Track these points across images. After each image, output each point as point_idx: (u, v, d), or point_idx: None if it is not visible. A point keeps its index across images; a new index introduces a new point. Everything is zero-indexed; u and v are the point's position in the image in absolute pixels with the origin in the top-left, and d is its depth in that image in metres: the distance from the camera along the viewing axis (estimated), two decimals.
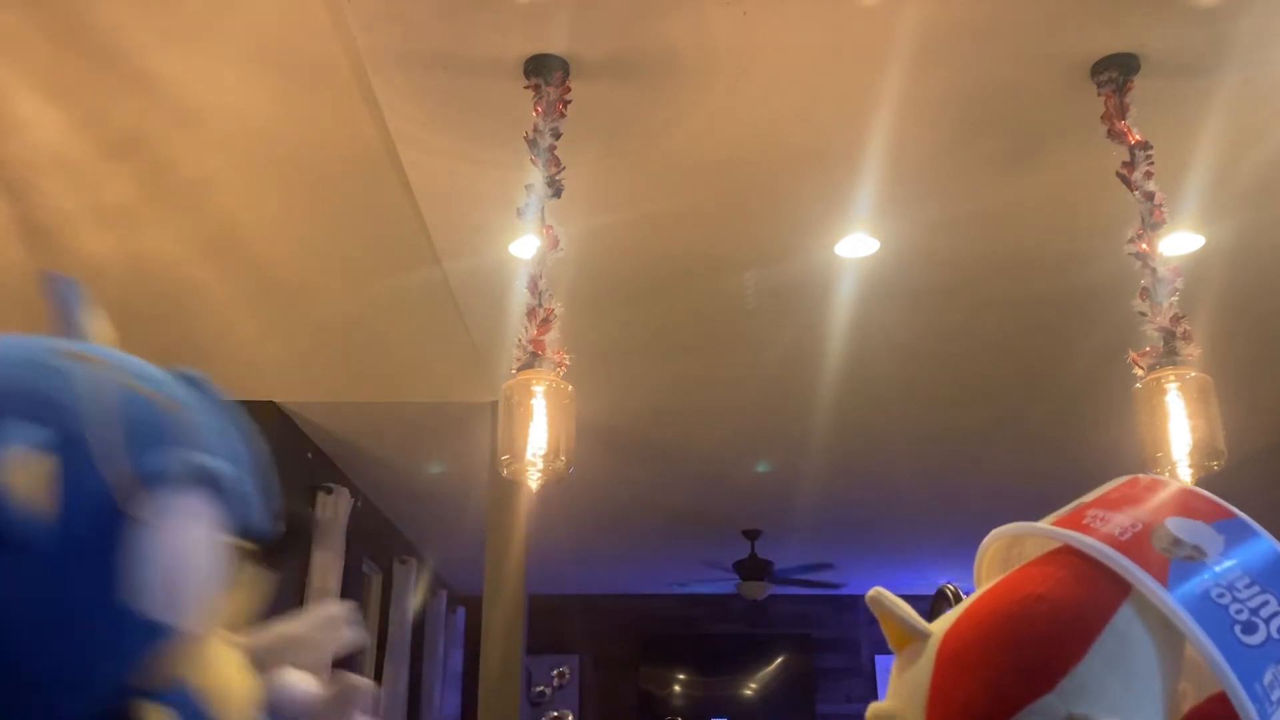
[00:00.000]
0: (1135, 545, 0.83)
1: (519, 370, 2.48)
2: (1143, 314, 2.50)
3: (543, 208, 2.57)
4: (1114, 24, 2.52)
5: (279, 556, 0.86)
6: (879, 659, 9.39)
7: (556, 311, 2.51)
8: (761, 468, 6.04)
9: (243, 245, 3.66)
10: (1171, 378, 2.45)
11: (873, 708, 0.88)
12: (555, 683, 9.36)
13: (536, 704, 9.23)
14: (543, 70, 2.63)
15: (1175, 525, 0.85)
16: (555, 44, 2.59)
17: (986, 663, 0.81)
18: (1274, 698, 0.77)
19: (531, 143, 2.61)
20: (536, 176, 2.58)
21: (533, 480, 2.49)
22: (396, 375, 4.76)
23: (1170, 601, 0.79)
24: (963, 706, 0.80)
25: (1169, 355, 2.46)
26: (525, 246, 2.71)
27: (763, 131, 2.96)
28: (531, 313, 2.49)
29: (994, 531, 0.96)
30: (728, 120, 2.90)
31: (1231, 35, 2.55)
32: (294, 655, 0.90)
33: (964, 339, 4.31)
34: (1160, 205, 2.54)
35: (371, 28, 2.55)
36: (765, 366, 4.58)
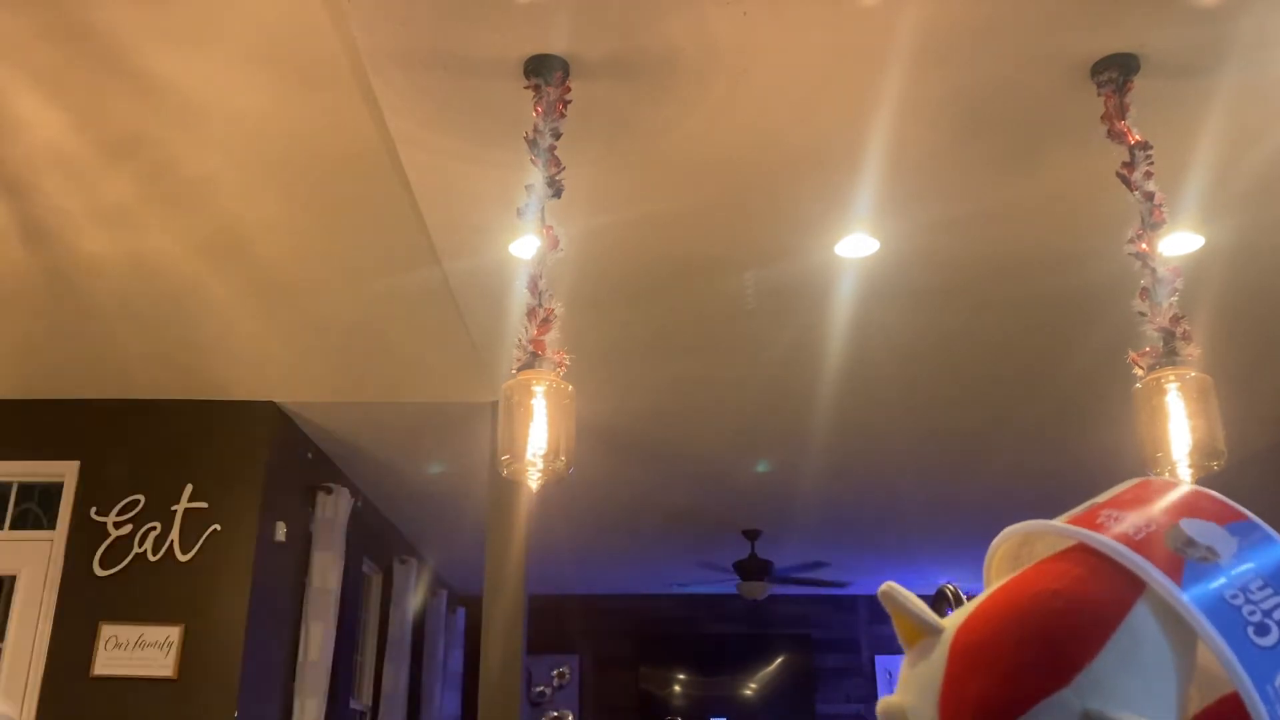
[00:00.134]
0: (1149, 545, 0.83)
1: (519, 370, 2.47)
2: (1142, 314, 2.50)
3: (543, 208, 2.57)
4: (1114, 24, 2.52)
5: None
6: (879, 659, 9.39)
7: (556, 311, 2.51)
8: (761, 468, 6.04)
9: (243, 245, 3.66)
10: (1171, 378, 2.45)
11: (884, 702, 0.87)
12: (555, 683, 9.36)
13: (536, 704, 9.23)
14: (543, 70, 2.63)
15: (1189, 526, 0.85)
16: (555, 44, 2.59)
17: (1001, 657, 0.81)
18: None
19: (531, 143, 2.61)
20: (536, 176, 2.58)
21: (533, 480, 2.49)
22: (396, 375, 4.76)
23: (1185, 601, 0.79)
24: (976, 700, 0.80)
25: (1169, 355, 2.46)
26: (525, 246, 2.71)
27: (763, 131, 2.96)
28: (531, 313, 2.49)
29: (1006, 530, 0.96)
30: (728, 120, 2.90)
31: (1231, 35, 2.55)
32: None
33: (964, 339, 4.31)
34: (1160, 205, 2.54)
35: (371, 28, 2.55)
36: (765, 366, 4.58)
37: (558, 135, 2.63)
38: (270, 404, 4.94)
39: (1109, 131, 2.63)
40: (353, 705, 6.28)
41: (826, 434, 5.33)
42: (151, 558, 4.69)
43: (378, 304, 4.08)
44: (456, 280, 3.78)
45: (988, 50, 2.62)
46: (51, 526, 4.82)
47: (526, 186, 2.58)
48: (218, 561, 4.70)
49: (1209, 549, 0.83)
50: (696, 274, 3.79)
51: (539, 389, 2.45)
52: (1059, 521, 0.90)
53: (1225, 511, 0.88)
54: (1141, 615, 0.82)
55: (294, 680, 5.16)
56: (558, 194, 2.60)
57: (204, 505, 4.77)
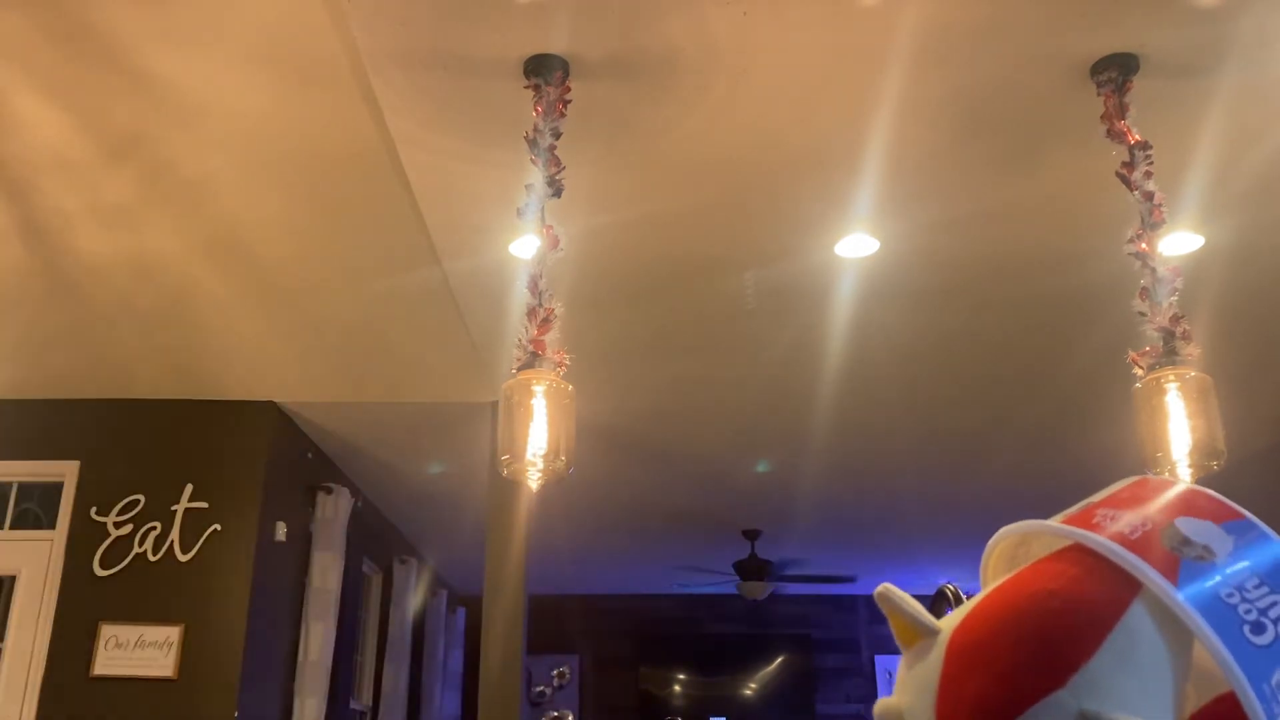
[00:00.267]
0: (1145, 544, 0.83)
1: (519, 370, 2.47)
2: (1142, 314, 2.50)
3: (543, 208, 2.57)
4: (1114, 24, 2.52)
5: None
6: (879, 659, 9.39)
7: (556, 311, 2.51)
8: (761, 468, 6.04)
9: (243, 245, 3.66)
10: (1171, 378, 2.45)
11: (881, 704, 0.87)
12: (555, 683, 9.36)
13: (536, 704, 9.23)
14: (543, 70, 2.63)
15: (1185, 525, 0.85)
16: (555, 44, 2.59)
17: (998, 657, 0.81)
18: None
19: (531, 143, 2.61)
20: (536, 176, 2.58)
21: (533, 480, 2.49)
22: (396, 375, 4.76)
23: (1180, 600, 0.79)
24: (973, 701, 0.79)
25: (1169, 355, 2.46)
26: (525, 246, 2.71)
27: (763, 131, 2.96)
28: (531, 313, 2.49)
29: (1002, 530, 0.96)
30: (728, 120, 2.90)
31: (1231, 35, 2.55)
32: None
33: (964, 339, 4.31)
34: (1160, 205, 2.54)
35: (371, 28, 2.55)
36: (765, 366, 4.58)
37: (558, 135, 2.63)
38: (270, 404, 4.94)
39: (1109, 131, 2.63)
40: (353, 705, 6.28)
41: (826, 434, 5.33)
42: (151, 558, 4.69)
43: (378, 304, 4.08)
44: (456, 280, 3.78)
45: (988, 50, 2.62)
46: (51, 526, 4.82)
47: (526, 186, 2.58)
48: (218, 561, 4.70)
49: (1205, 548, 0.83)
50: (696, 274, 3.79)
51: (539, 389, 2.45)
52: (1055, 521, 0.90)
53: (1221, 510, 0.88)
54: (1138, 615, 0.82)
55: (294, 680, 5.16)
56: (558, 194, 2.60)
57: (204, 505, 4.77)
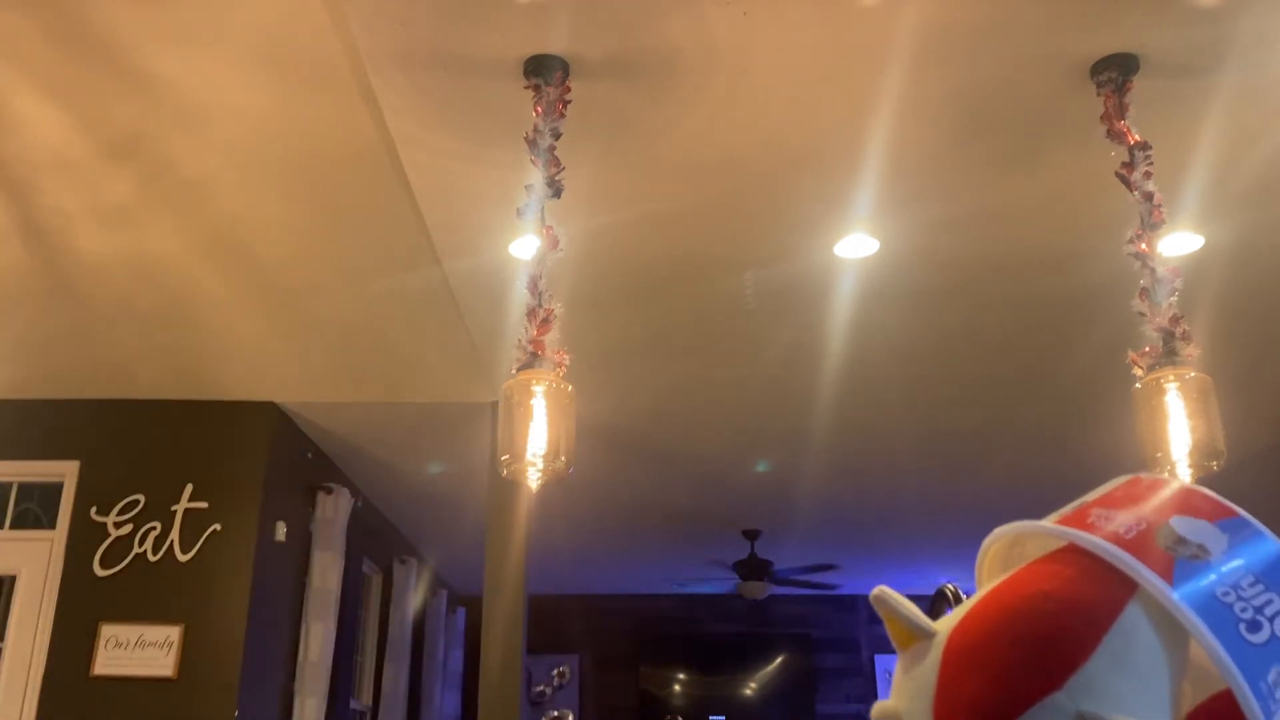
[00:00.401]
0: (1140, 544, 0.83)
1: (519, 370, 2.47)
2: (1142, 314, 2.50)
3: (543, 208, 2.57)
4: (1114, 24, 2.52)
5: None
6: (879, 659, 9.39)
7: (556, 311, 2.51)
8: (761, 468, 6.04)
9: (243, 245, 3.66)
10: (1171, 378, 2.45)
11: (878, 707, 0.87)
12: (555, 682, 9.37)
13: (536, 704, 9.23)
14: (543, 70, 2.63)
15: (1179, 524, 0.85)
16: (555, 44, 2.59)
17: (994, 660, 0.81)
18: (1278, 696, 0.77)
19: (531, 143, 2.61)
20: (536, 176, 2.58)
21: (533, 480, 2.49)
22: (396, 375, 4.76)
23: (1176, 600, 0.79)
24: (970, 704, 0.79)
25: (1168, 355, 2.46)
26: (525, 246, 2.71)
27: (763, 131, 2.96)
28: (531, 313, 2.49)
29: (996, 531, 0.95)
30: (728, 120, 2.90)
31: (1231, 35, 2.55)
32: None
33: (964, 339, 4.31)
34: (1159, 205, 2.54)
35: (371, 28, 2.55)
36: (765, 366, 4.58)
37: (557, 135, 2.63)
38: (270, 404, 4.94)
39: (1109, 132, 2.63)
40: (353, 705, 6.28)
41: (826, 434, 5.33)
42: (151, 558, 4.69)
43: (378, 304, 4.08)
44: (456, 280, 3.79)
45: (988, 50, 2.62)
46: (51, 526, 4.82)
47: (526, 186, 2.58)
48: (218, 561, 4.70)
49: (1200, 546, 0.83)
50: (696, 274, 3.79)
51: (539, 389, 2.45)
52: (1049, 521, 0.90)
53: (1215, 508, 0.88)
54: (1134, 615, 0.82)
55: (294, 680, 5.17)
56: (557, 194, 2.60)
57: (204, 505, 4.77)
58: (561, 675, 9.38)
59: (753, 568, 7.81)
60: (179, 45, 2.71)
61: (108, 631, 4.58)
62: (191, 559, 4.69)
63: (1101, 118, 2.65)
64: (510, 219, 2.76)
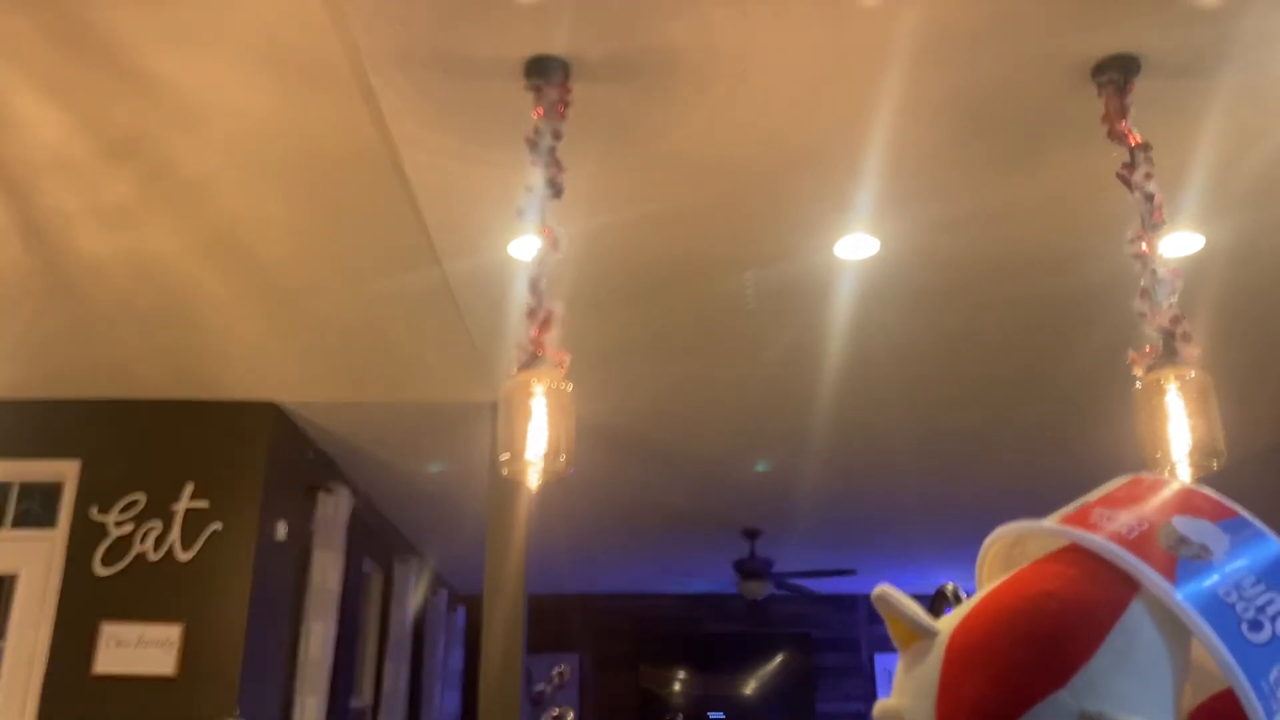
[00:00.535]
0: (1142, 543, 0.83)
1: (519, 370, 2.48)
2: (1142, 314, 2.50)
3: (543, 208, 2.57)
4: (1114, 24, 2.52)
5: None
6: (879, 658, 9.40)
7: (556, 312, 2.51)
8: (761, 468, 6.04)
9: (243, 245, 3.66)
10: (1171, 378, 2.45)
11: (880, 706, 0.87)
12: (555, 681, 9.36)
13: (536, 702, 9.23)
14: (543, 71, 2.63)
15: (1181, 524, 0.85)
16: (556, 45, 2.59)
17: (998, 659, 0.81)
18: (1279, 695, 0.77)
19: (532, 144, 2.61)
20: (537, 177, 2.58)
21: (533, 480, 2.49)
22: (396, 375, 4.76)
23: (1178, 599, 0.79)
24: (973, 703, 0.80)
25: (1169, 355, 2.46)
26: (525, 247, 2.71)
27: (763, 131, 2.96)
28: (531, 313, 2.49)
29: (997, 530, 0.96)
30: (728, 121, 2.90)
31: (1231, 35, 2.55)
32: None
33: (964, 339, 4.31)
34: (1160, 206, 2.54)
35: (371, 28, 2.55)
36: (765, 366, 4.58)
37: (558, 136, 2.63)
38: (270, 404, 4.94)
39: (1109, 132, 2.63)
40: (353, 704, 6.28)
41: (826, 434, 5.33)
42: (152, 557, 4.70)
43: (378, 304, 4.08)
44: (456, 280, 3.79)
45: (988, 50, 2.62)
46: (52, 526, 4.82)
47: (527, 187, 2.58)
48: (218, 560, 4.70)
49: (1202, 546, 0.83)
50: (696, 274, 3.79)
51: (539, 389, 2.45)
52: (1051, 521, 0.90)
53: (1217, 508, 0.88)
54: (1136, 614, 0.82)
55: (294, 679, 5.17)
56: (558, 194, 2.60)
57: (204, 505, 4.77)
58: (561, 674, 9.37)
59: (753, 568, 7.81)
60: (179, 45, 2.71)
61: (108, 630, 4.58)
62: (192, 558, 4.69)
63: (1102, 118, 2.65)
64: (510, 219, 2.77)
